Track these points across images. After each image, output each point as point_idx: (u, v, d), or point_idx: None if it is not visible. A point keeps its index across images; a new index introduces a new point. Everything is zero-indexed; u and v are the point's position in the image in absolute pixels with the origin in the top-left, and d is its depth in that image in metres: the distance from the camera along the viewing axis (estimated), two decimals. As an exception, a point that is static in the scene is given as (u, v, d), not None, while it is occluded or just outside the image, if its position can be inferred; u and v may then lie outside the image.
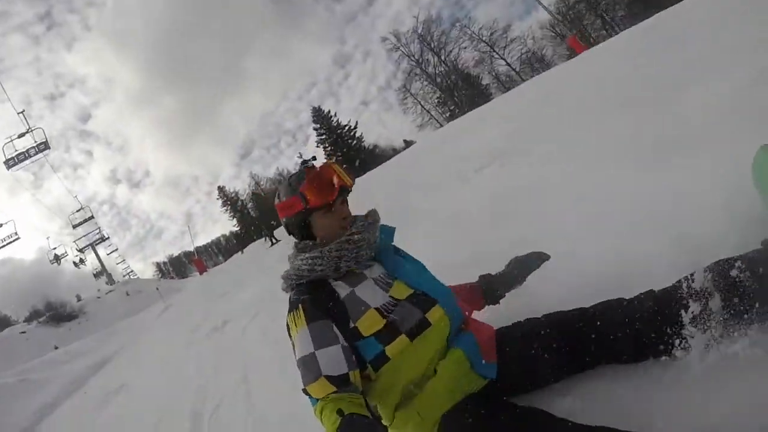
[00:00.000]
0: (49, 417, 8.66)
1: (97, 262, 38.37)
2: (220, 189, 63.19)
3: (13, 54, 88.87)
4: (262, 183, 63.34)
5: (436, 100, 35.69)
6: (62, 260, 34.67)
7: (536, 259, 1.52)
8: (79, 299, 33.57)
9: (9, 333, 24.60)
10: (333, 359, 1.08)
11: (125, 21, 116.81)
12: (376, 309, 1.17)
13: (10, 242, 29.10)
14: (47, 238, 40.85)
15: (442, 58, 32.76)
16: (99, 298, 30.55)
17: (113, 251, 41.53)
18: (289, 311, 1.22)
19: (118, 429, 4.93)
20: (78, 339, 19.63)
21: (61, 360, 14.90)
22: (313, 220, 1.30)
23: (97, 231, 37.94)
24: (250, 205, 61.47)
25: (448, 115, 35.07)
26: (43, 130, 29.40)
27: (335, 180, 1.28)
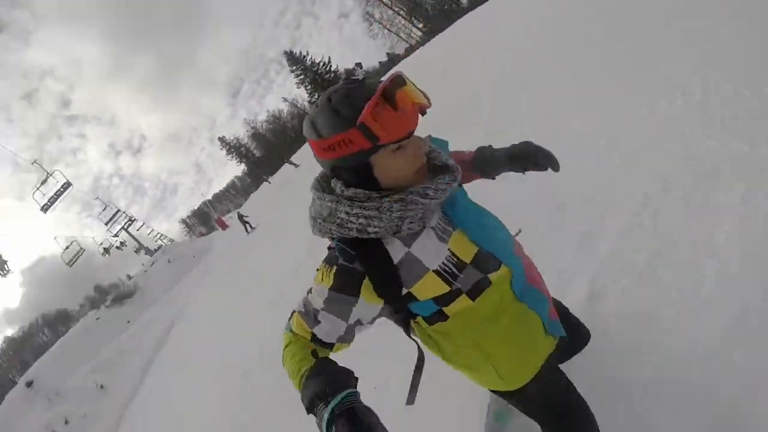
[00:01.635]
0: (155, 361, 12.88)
1: (133, 241, 42.38)
2: (221, 139, 63.95)
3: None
4: (257, 126, 64.17)
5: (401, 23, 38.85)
6: (110, 250, 39.09)
7: (548, 161, 1.20)
8: (129, 278, 37.58)
9: (85, 322, 27.80)
10: (332, 330, 0.96)
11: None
12: (435, 271, 0.95)
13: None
14: (92, 238, 43.71)
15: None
16: (146, 271, 33.09)
17: (141, 226, 45.36)
18: (325, 261, 0.97)
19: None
20: (143, 311, 22.72)
21: (139, 331, 18.34)
22: (376, 159, 0.88)
23: (125, 216, 41.74)
24: (253, 145, 62.83)
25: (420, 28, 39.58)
26: (62, 172, 31.12)
27: (411, 103, 0.84)
